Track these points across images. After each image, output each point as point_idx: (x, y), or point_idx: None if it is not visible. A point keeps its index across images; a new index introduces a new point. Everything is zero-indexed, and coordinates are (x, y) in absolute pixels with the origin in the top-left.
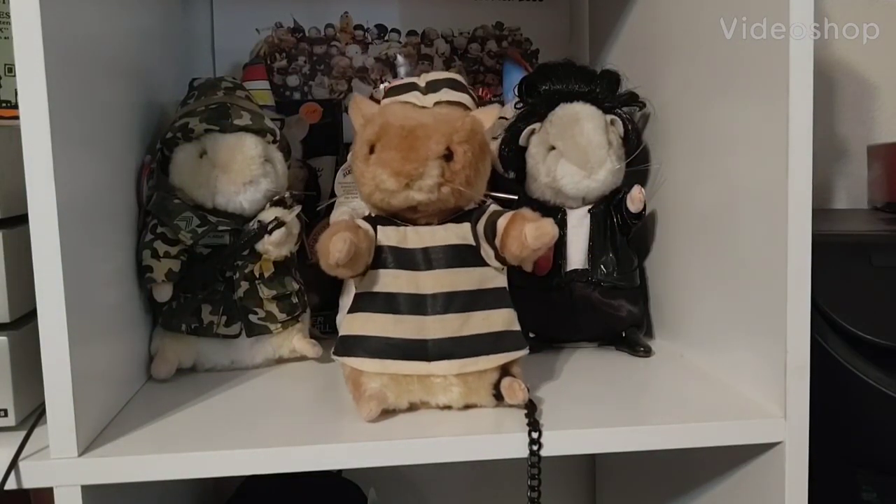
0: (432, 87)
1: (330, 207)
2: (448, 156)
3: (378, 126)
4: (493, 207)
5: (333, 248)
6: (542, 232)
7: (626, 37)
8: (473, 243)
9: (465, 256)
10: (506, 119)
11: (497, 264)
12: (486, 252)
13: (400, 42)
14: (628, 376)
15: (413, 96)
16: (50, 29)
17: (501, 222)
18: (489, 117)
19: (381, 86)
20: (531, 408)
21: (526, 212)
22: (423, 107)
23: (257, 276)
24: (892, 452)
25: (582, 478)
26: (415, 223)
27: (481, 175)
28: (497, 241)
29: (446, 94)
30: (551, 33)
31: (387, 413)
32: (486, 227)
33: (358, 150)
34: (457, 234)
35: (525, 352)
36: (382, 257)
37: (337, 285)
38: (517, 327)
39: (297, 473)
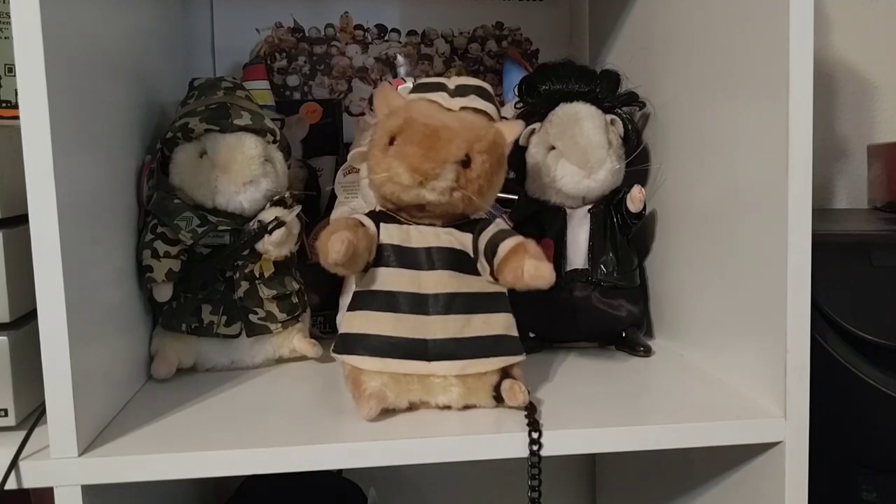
0: (461, 91)
1: (330, 207)
2: (466, 162)
3: (402, 119)
4: (499, 226)
5: (331, 248)
6: (540, 275)
7: (626, 37)
8: (472, 254)
9: (464, 263)
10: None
11: (489, 279)
12: (482, 267)
13: (400, 42)
14: (628, 376)
15: (440, 96)
16: (50, 29)
17: (503, 248)
18: (513, 131)
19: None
20: (531, 408)
21: (530, 245)
22: (449, 109)
23: (257, 275)
24: (892, 452)
25: (582, 478)
26: (418, 222)
27: (494, 187)
28: (495, 262)
29: (473, 101)
30: (551, 33)
31: (387, 413)
32: (488, 246)
33: (377, 138)
34: (458, 240)
35: (522, 357)
36: (385, 255)
37: (337, 285)
38: (515, 333)
39: (297, 473)
